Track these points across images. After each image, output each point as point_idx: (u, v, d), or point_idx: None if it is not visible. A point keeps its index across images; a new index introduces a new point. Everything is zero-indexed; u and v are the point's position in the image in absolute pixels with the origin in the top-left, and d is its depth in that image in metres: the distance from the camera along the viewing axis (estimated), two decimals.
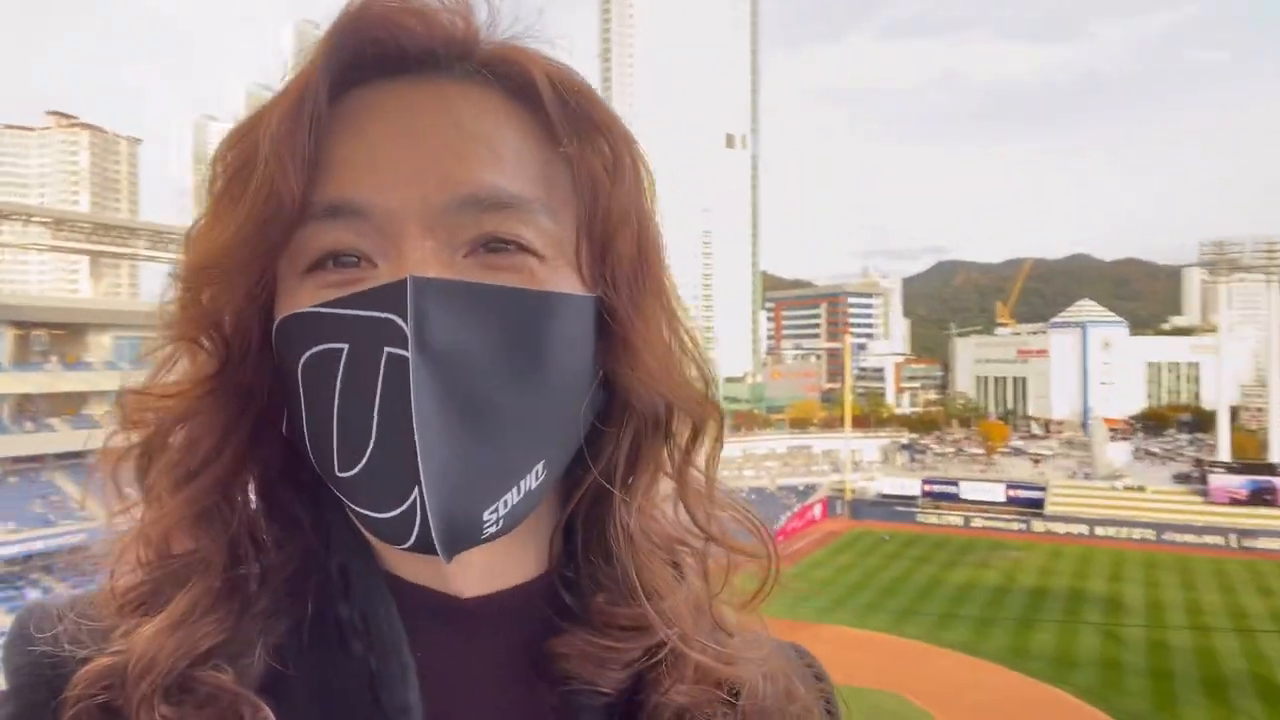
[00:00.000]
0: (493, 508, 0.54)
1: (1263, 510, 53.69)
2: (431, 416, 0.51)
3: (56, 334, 39.43)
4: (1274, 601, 38.71)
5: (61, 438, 35.56)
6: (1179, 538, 49.04)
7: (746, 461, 75.43)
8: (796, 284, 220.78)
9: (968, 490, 62.43)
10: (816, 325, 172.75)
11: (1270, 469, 57.85)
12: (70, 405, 37.28)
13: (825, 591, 41.35)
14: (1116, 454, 71.86)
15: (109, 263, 46.67)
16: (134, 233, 46.66)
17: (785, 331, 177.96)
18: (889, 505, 62.95)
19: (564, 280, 0.58)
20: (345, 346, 0.53)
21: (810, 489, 66.91)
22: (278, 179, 0.54)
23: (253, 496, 0.62)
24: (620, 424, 0.64)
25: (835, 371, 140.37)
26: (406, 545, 0.52)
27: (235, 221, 0.55)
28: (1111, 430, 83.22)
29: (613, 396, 0.63)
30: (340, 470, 0.54)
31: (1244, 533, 51.37)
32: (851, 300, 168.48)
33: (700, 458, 0.66)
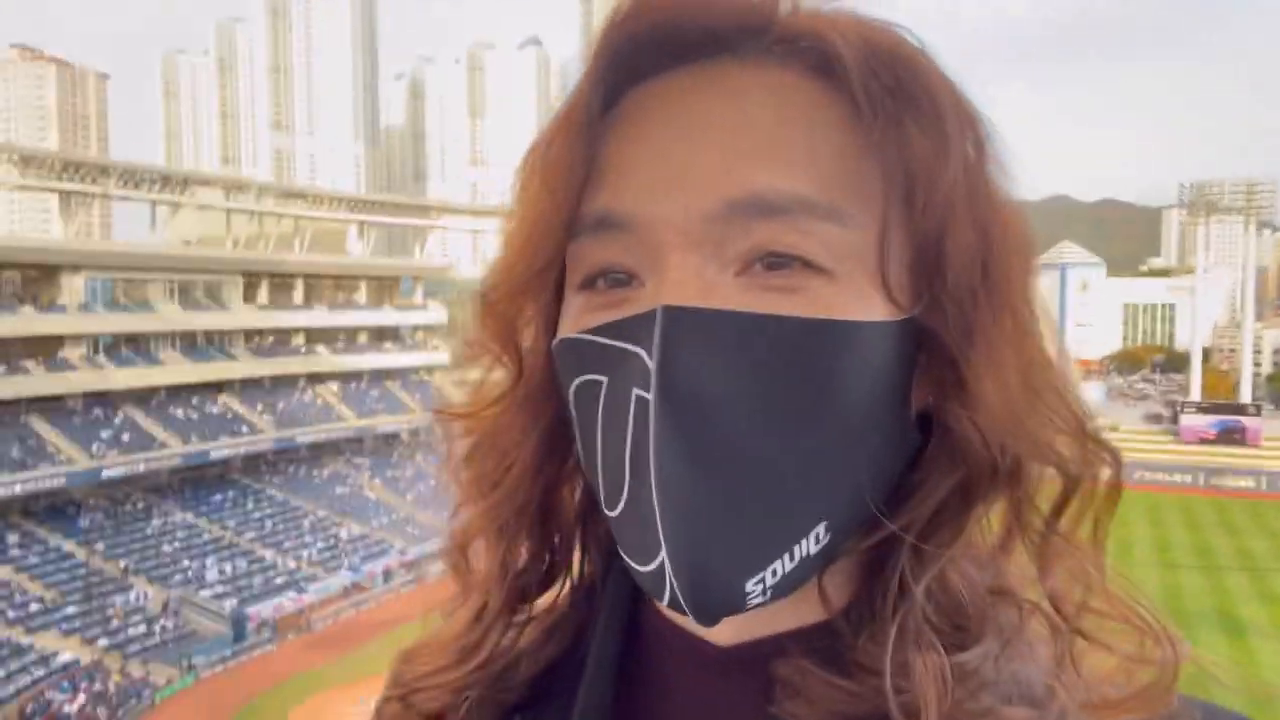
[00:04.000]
0: (758, 577, 0.46)
1: (1231, 449, 54.96)
2: (677, 471, 0.45)
3: (29, 275, 39.06)
4: (1239, 539, 39.77)
5: (36, 381, 36.08)
6: (1150, 476, 50.05)
7: None
8: None
9: None
10: None
11: (1239, 409, 58.99)
12: (45, 349, 37.28)
13: None
14: (1089, 394, 72.86)
15: (80, 202, 45.79)
16: (105, 171, 46.06)
17: None
18: None
19: (860, 301, 0.47)
20: (605, 380, 0.49)
21: None
22: (543, 194, 0.51)
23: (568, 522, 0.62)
24: (940, 471, 0.51)
25: None
26: (663, 603, 0.48)
27: (514, 239, 0.54)
28: (1085, 370, 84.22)
29: (936, 438, 0.51)
30: (607, 507, 0.50)
31: (1212, 471, 52.60)
32: None
33: (1073, 524, 0.50)
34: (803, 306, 0.46)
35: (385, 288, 58.49)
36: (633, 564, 0.49)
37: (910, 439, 0.51)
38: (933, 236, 0.48)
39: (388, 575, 38.56)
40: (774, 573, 0.47)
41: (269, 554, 37.71)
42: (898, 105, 0.48)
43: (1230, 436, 56.26)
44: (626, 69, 0.51)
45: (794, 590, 0.48)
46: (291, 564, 37.20)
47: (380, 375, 55.49)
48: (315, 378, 51.84)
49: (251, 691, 27.17)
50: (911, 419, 0.51)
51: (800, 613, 0.52)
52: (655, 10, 0.50)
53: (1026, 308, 0.50)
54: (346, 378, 53.59)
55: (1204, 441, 56.34)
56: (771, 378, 0.46)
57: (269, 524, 40.44)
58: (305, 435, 46.85)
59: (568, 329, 0.52)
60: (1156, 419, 63.03)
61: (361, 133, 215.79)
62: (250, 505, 41.65)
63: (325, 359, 52.63)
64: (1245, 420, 56.89)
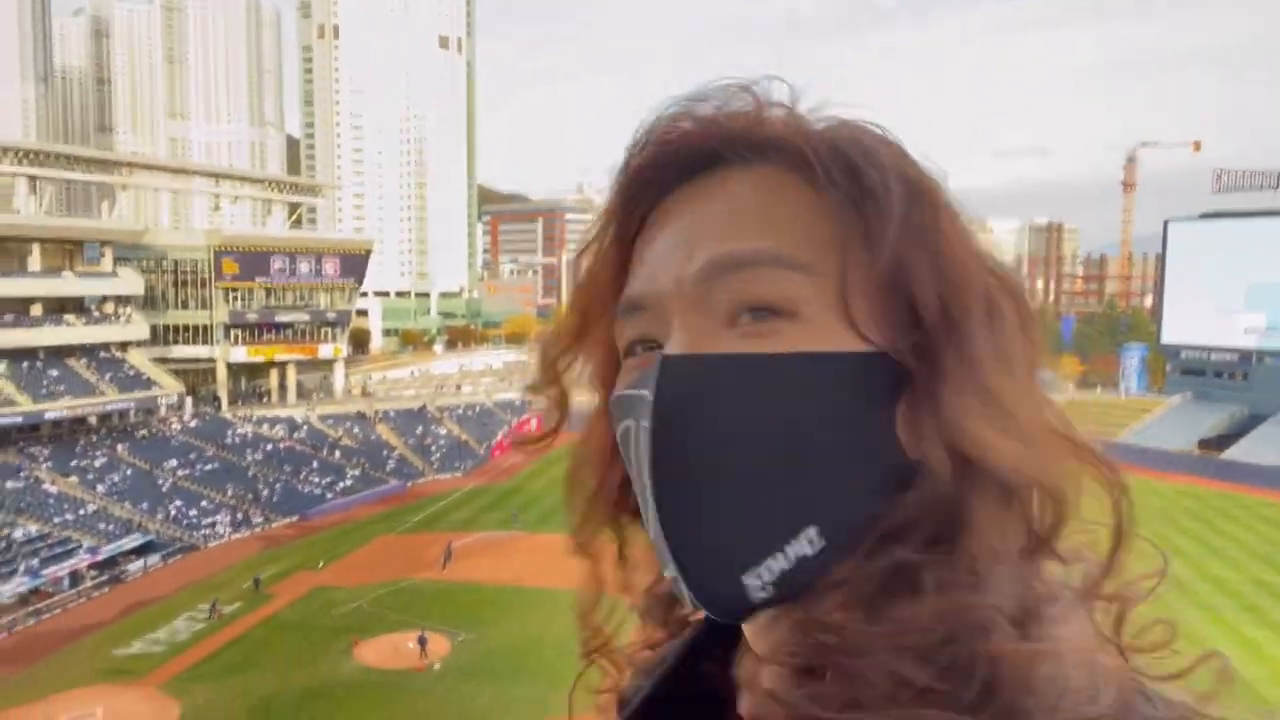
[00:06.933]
0: (754, 573, 0.54)
1: None
2: (670, 484, 0.55)
3: None
4: None
5: None
6: None
7: (464, 378, 74.94)
8: (513, 198, 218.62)
9: None
10: (533, 241, 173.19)
11: None
12: None
13: (540, 502, 42.79)
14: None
15: None
16: None
17: (502, 246, 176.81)
18: None
19: (823, 338, 0.56)
20: (632, 423, 0.58)
21: (527, 403, 67.91)
22: (583, 294, 0.68)
23: None
24: (915, 491, 0.55)
25: (551, 287, 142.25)
26: (689, 607, 0.57)
27: (567, 320, 0.70)
28: None
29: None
30: (646, 528, 0.59)
31: None
32: (569, 217, 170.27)
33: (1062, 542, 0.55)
34: (772, 346, 0.56)
35: (65, 252, 51.39)
36: (665, 573, 0.57)
37: (895, 462, 0.56)
38: (887, 279, 0.56)
39: (76, 578, 34.33)
40: (770, 570, 0.54)
41: None
42: (849, 182, 0.58)
43: None
44: (653, 185, 0.64)
45: (801, 587, 0.55)
46: None
47: (60, 352, 48.86)
48: None
49: None
50: (898, 444, 0.56)
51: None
52: (660, 141, 0.64)
53: (990, 348, 0.55)
54: (17, 355, 46.67)
55: None
56: (744, 403, 0.55)
57: None
58: None
59: (615, 390, 0.63)
60: None
61: (31, 73, 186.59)
62: None
63: None
64: None
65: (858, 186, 0.57)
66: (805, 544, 0.54)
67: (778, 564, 0.54)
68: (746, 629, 0.60)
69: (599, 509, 0.70)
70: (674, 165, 0.63)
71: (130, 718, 23.48)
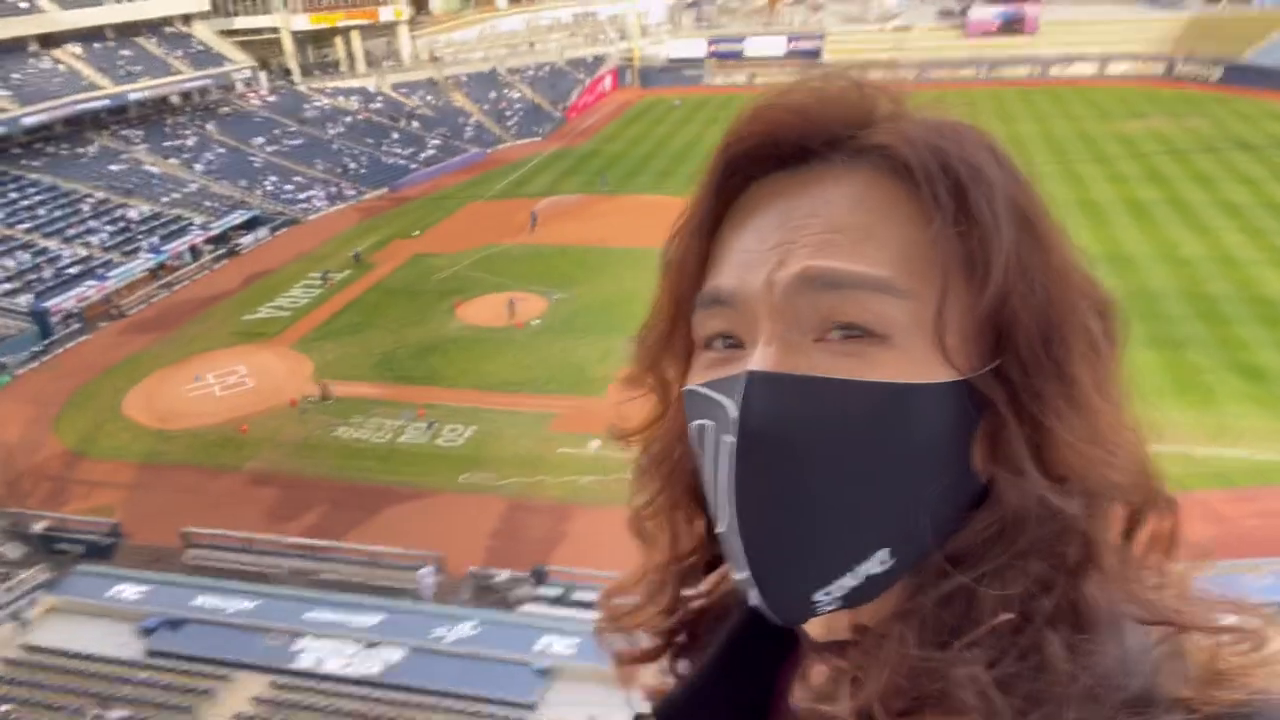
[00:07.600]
0: (825, 590, 0.56)
1: (1007, 39, 58.06)
2: (753, 501, 0.55)
3: None
4: (1012, 127, 43.46)
5: None
6: (937, 74, 52.56)
7: (532, 35, 71.49)
8: None
9: (752, 47, 63.04)
10: None
11: None
12: None
13: (621, 162, 42.53)
14: None
15: None
16: None
17: None
18: (677, 70, 63.02)
19: (914, 365, 0.55)
20: (710, 424, 0.59)
21: (599, 60, 65.15)
22: (666, 279, 0.68)
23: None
24: (984, 514, 0.56)
25: None
26: (753, 606, 0.59)
27: (655, 308, 0.70)
28: None
29: (993, 488, 0.57)
30: (716, 525, 0.60)
31: (993, 63, 55.80)
32: None
33: (1141, 551, 0.58)
34: (862, 370, 0.55)
35: None
36: (732, 572, 0.59)
37: (967, 484, 0.57)
38: (989, 311, 0.56)
39: (195, 252, 36.76)
40: (840, 587, 0.56)
41: (52, 244, 34.81)
42: (956, 202, 0.56)
43: (1010, 26, 59.01)
44: (743, 172, 0.63)
45: (867, 600, 0.57)
46: (82, 251, 34.62)
47: (127, 30, 48.05)
48: (48, 39, 44.39)
49: (79, 380, 26.61)
50: (971, 466, 0.57)
51: (878, 617, 0.59)
52: (761, 131, 0.62)
53: (1090, 376, 0.56)
54: (86, 36, 46.17)
55: (987, 34, 58.95)
56: (829, 430, 0.54)
57: (43, 211, 36.87)
58: (56, 108, 41.16)
59: (690, 382, 0.64)
60: (948, 14, 64.68)
61: None
62: (14, 194, 37.46)
63: (52, 14, 44.72)
64: (1026, 8, 59.34)
65: (964, 211, 0.56)
66: (876, 564, 0.56)
67: (848, 582, 0.56)
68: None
69: (670, 492, 0.72)
70: (765, 155, 0.62)
71: (270, 372, 26.22)
